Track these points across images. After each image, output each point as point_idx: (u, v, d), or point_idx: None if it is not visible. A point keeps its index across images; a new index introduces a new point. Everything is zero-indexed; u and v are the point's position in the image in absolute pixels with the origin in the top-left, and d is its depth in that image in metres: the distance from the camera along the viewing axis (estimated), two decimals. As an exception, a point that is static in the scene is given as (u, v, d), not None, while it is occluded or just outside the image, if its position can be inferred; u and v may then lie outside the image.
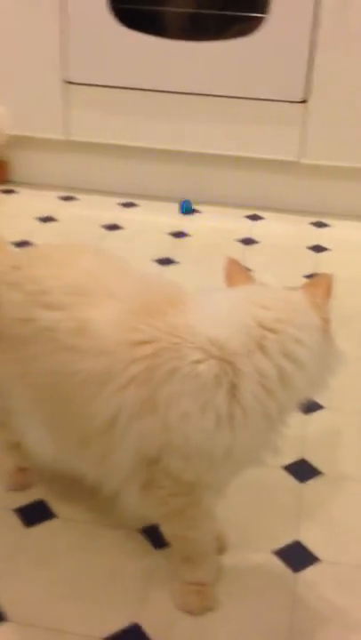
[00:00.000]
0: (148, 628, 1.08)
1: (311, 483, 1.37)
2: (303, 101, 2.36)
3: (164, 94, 2.42)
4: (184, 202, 2.50)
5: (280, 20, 2.28)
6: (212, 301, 1.05)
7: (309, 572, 1.18)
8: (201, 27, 2.45)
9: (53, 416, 1.09)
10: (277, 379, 0.97)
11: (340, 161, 2.42)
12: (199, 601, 1.11)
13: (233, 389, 0.96)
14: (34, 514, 1.27)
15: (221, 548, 1.20)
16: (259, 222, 2.46)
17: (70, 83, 2.45)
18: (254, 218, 2.49)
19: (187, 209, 2.48)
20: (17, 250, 1.90)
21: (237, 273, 1.10)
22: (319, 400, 1.56)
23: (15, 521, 1.26)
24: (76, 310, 1.05)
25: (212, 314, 1.02)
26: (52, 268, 1.11)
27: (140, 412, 0.98)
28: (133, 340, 0.99)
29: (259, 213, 2.51)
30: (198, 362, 0.96)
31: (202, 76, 2.39)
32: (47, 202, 2.53)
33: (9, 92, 2.48)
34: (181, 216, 2.48)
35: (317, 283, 1.08)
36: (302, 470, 1.39)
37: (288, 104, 2.38)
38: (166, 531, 1.12)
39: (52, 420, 1.10)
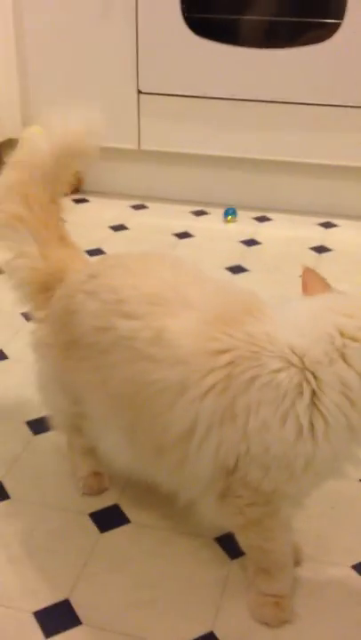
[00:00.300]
0: (223, 638, 1.08)
1: (390, 496, 1.34)
2: (378, 106, 2.34)
3: (238, 102, 2.43)
4: (229, 210, 2.50)
5: (356, 26, 2.26)
6: (292, 310, 1.04)
7: (390, 588, 1.16)
8: (275, 34, 2.45)
9: (130, 424, 1.10)
10: None
11: None
12: (276, 613, 1.10)
13: (314, 399, 0.95)
14: (108, 519, 1.29)
15: (297, 561, 1.19)
16: (332, 230, 2.44)
17: (143, 92, 2.48)
18: (328, 225, 2.47)
19: (230, 215, 2.49)
20: (91, 258, 1.94)
21: (315, 282, 1.09)
22: None
23: (90, 525, 1.28)
24: (153, 319, 1.06)
25: (292, 322, 1.01)
26: (129, 278, 1.12)
27: (218, 422, 0.99)
28: (211, 349, 1.00)
29: (332, 221, 2.49)
30: (278, 370, 0.96)
31: (276, 83, 2.39)
32: (119, 210, 2.56)
33: (83, 102, 2.53)
34: (254, 223, 2.48)
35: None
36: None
37: (362, 110, 2.35)
38: (243, 541, 1.12)
39: (128, 427, 1.11)
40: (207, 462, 1.02)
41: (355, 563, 1.20)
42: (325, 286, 1.09)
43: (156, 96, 2.48)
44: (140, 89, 2.48)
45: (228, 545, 1.22)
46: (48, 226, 1.28)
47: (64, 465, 1.39)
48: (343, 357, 0.95)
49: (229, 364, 0.98)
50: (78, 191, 2.67)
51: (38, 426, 1.49)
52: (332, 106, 2.36)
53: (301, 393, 0.95)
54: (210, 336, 1.01)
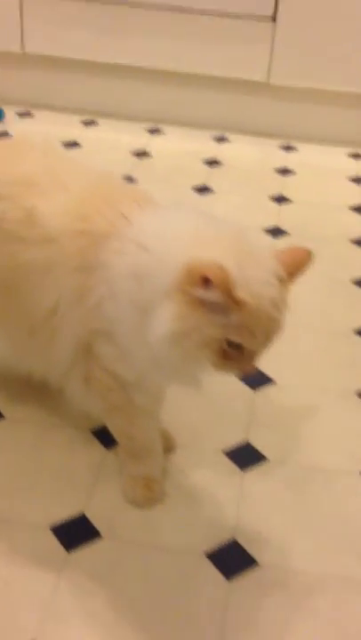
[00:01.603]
0: (93, 518, 1.15)
1: (264, 390, 1.43)
2: (273, 19, 2.37)
3: (129, 8, 2.41)
4: None
5: None
6: (169, 212, 1.08)
7: (257, 471, 1.26)
8: None
9: (1, 308, 1.13)
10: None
11: (309, 82, 2.44)
12: (146, 493, 1.18)
13: (142, 282, 0.98)
14: (-18, 415, 1.33)
15: (169, 448, 1.27)
16: (225, 144, 2.49)
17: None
18: (221, 140, 2.52)
19: None
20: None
21: None
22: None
23: None
24: (23, 200, 1.08)
25: (165, 218, 1.05)
26: None
27: (76, 299, 1.05)
28: (78, 228, 1.04)
29: (226, 135, 2.54)
30: (117, 252, 1.01)
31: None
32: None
33: None
34: (146, 135, 2.49)
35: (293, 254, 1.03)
36: (255, 378, 1.45)
37: (257, 22, 2.38)
38: (110, 426, 1.19)
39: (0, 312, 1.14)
40: (69, 340, 1.08)
41: (225, 448, 1.30)
42: None
43: (42, -5, 2.43)
44: (25, -13, 2.42)
45: (104, 436, 1.28)
46: None
47: None
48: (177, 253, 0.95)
49: (90, 243, 1.03)
50: None
51: None
52: (227, 16, 2.38)
53: (132, 275, 0.99)
54: (81, 215, 1.05)
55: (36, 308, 1.08)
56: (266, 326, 0.95)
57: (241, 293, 0.91)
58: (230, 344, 0.95)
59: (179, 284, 0.93)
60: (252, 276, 0.94)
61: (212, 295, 0.91)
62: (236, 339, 0.94)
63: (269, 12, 2.36)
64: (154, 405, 1.17)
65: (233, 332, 0.94)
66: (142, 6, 2.40)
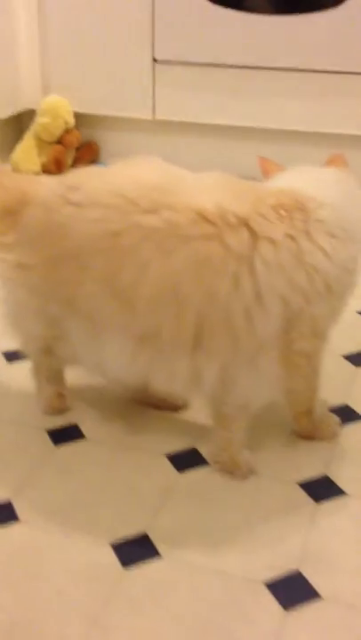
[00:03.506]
0: (155, 539, 1.10)
1: (351, 426, 1.34)
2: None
3: (253, 70, 2.46)
4: None
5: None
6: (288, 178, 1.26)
7: (332, 504, 1.16)
8: (289, 0, 2.47)
9: (171, 321, 1.10)
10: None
11: None
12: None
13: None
14: (64, 435, 1.32)
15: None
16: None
17: (159, 61, 2.54)
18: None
19: None
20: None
21: (272, 166, 1.31)
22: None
23: (45, 439, 1.32)
24: (178, 205, 1.10)
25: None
26: (119, 180, 1.15)
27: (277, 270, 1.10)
28: (273, 214, 1.12)
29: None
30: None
31: (290, 50, 2.41)
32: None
33: (98, 72, 2.61)
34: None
35: (335, 161, 1.32)
36: (345, 414, 1.36)
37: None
38: (297, 398, 1.24)
39: (158, 327, 1.11)
40: (275, 316, 1.11)
41: (301, 480, 1.21)
42: (281, 169, 1.31)
43: (172, 64, 2.54)
44: (157, 57, 2.54)
45: (178, 460, 1.24)
46: None
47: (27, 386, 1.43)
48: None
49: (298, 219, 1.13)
50: (96, 162, 2.74)
51: None
52: (351, 73, 2.37)
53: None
54: (261, 207, 1.12)
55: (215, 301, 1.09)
56: None
57: None
58: None
59: None
60: None
61: None
62: None
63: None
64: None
65: None
66: (265, 68, 2.45)
